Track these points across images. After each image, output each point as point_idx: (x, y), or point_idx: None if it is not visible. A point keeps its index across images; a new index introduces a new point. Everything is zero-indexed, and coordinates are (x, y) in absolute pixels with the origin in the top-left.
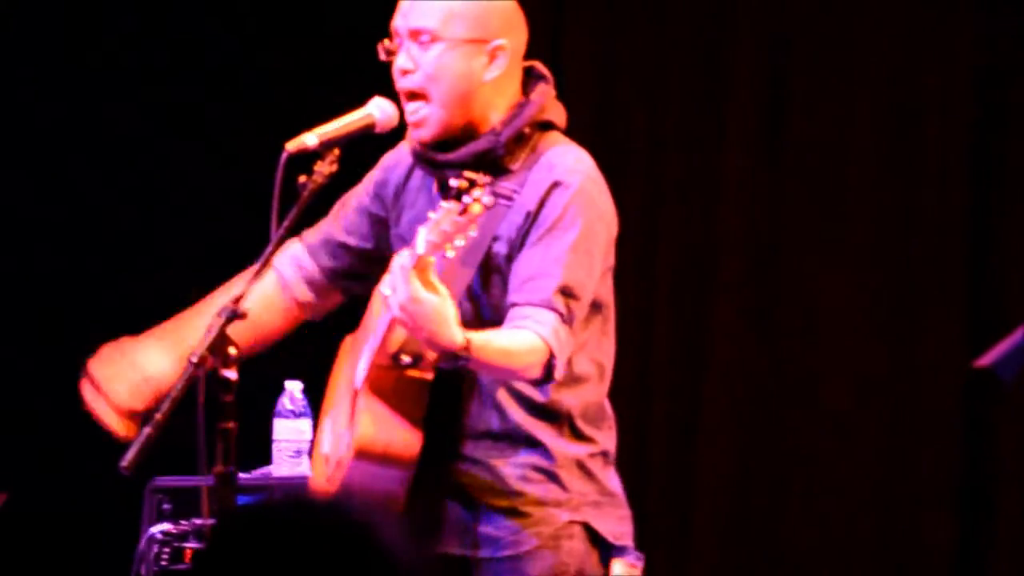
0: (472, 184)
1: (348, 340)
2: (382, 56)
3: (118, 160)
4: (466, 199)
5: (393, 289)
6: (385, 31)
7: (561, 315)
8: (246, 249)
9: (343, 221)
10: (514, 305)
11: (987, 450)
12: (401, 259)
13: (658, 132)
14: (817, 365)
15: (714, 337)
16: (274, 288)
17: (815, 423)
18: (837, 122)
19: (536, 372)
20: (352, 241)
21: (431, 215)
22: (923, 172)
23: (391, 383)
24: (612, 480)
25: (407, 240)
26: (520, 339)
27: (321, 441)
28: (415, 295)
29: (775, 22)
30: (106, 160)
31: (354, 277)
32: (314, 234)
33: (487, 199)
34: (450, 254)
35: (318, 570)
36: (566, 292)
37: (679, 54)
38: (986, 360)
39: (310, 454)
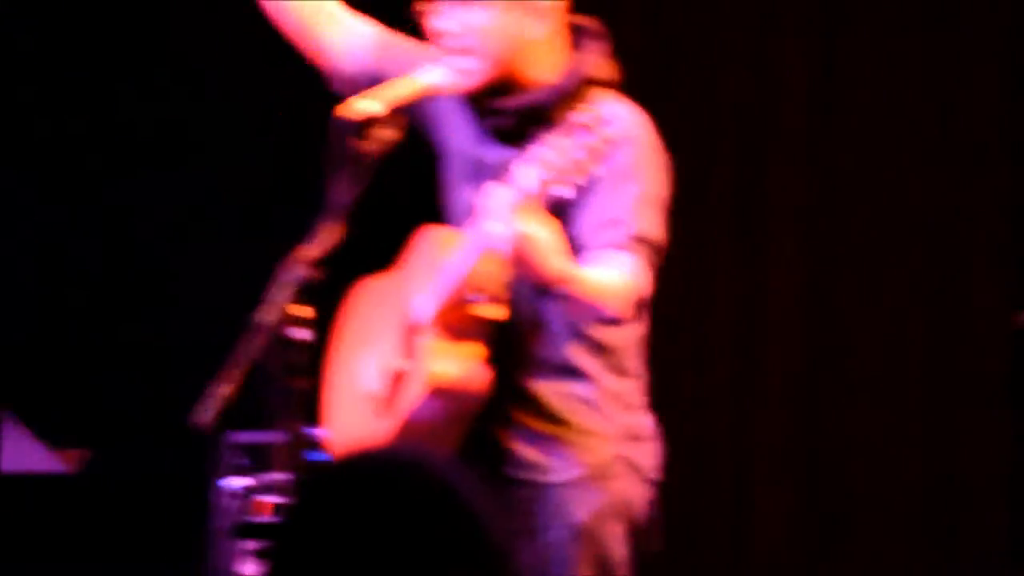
0: (598, 121)
1: (365, 283)
2: (418, 20)
3: (148, 151)
4: (590, 137)
5: (504, 224)
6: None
7: (640, 259)
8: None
9: (394, 66)
10: (591, 249)
11: None
12: (504, 195)
13: (710, 103)
14: (861, 335)
15: (768, 309)
16: (341, 17)
17: (860, 389)
18: (881, 107)
19: (618, 310)
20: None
21: (539, 152)
22: (966, 146)
23: (463, 321)
24: (648, 416)
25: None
26: (609, 276)
27: (357, 379)
28: (528, 230)
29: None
30: (133, 155)
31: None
32: (383, 43)
33: (612, 133)
34: (567, 194)
35: (407, 523)
36: (642, 239)
37: (729, 26)
38: None
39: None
